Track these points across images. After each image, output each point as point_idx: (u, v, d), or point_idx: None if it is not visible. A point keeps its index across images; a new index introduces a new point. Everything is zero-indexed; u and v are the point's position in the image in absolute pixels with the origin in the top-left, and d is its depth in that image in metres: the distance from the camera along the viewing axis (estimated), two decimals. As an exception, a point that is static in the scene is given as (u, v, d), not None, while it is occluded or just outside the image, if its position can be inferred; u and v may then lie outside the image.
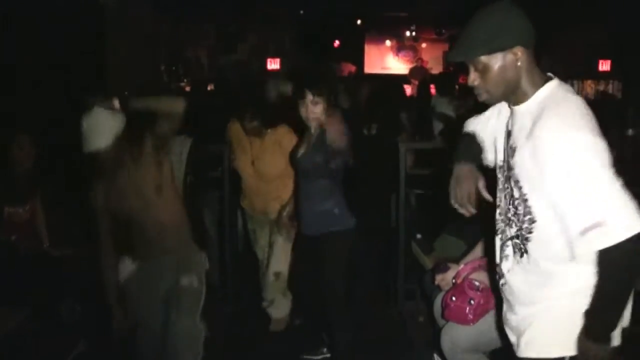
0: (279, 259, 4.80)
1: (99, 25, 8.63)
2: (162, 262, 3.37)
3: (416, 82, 13.83)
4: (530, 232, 2.15)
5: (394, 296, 5.19)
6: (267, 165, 4.80)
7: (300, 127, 4.16)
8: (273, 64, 15.34)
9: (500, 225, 2.32)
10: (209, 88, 10.04)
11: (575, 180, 1.94)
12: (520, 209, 2.16)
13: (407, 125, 6.53)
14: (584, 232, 1.94)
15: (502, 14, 2.09)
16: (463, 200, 2.46)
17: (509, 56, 2.09)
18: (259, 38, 15.66)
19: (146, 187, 3.26)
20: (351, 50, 15.77)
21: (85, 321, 4.59)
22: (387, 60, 16.34)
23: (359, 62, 16.05)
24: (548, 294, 2.16)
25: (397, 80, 11.29)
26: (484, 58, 2.11)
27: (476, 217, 4.34)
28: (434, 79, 10.17)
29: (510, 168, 2.19)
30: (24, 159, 4.72)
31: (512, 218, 2.22)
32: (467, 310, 3.27)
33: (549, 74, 2.19)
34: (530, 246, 2.16)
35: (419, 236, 4.87)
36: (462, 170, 2.50)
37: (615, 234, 1.90)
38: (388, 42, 16.50)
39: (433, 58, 16.20)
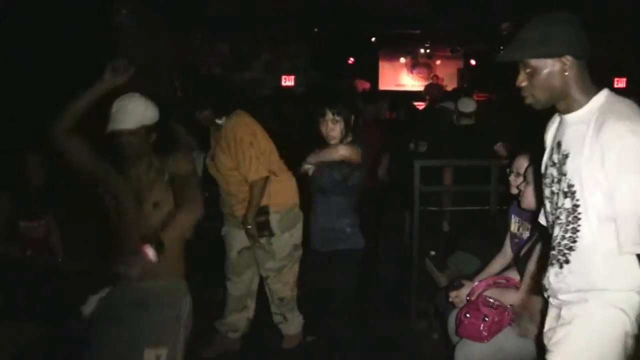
0: (279, 287, 4.67)
1: (114, 44, 8.73)
2: (141, 287, 3.11)
3: (430, 99, 13.87)
4: (574, 242, 2.16)
5: (408, 313, 5.17)
6: (218, 160, 4.45)
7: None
8: (287, 81, 15.43)
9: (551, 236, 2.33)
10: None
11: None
12: (563, 218, 2.18)
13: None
14: None
15: (557, 22, 2.13)
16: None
17: (558, 64, 2.13)
18: (273, 55, 15.76)
19: (144, 197, 3.14)
20: (365, 68, 15.80)
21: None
22: (401, 77, 16.34)
23: (373, 79, 16.06)
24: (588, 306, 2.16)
25: (410, 97, 11.31)
26: (533, 61, 2.16)
27: (490, 234, 4.37)
28: (448, 95, 10.18)
29: (561, 175, 2.20)
30: (36, 176, 4.78)
31: (556, 228, 2.23)
32: (481, 327, 3.26)
33: None
34: (573, 256, 2.18)
35: (432, 253, 4.86)
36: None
37: None
38: (402, 59, 16.50)
39: (448, 75, 16.18)
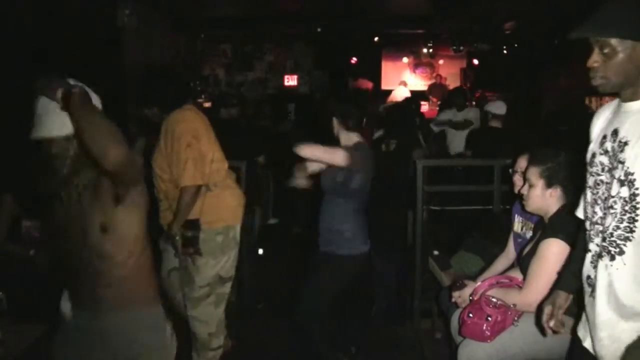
0: (194, 323, 3.99)
1: (118, 45, 8.75)
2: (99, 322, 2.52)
3: (435, 100, 13.87)
4: (631, 231, 2.08)
5: (411, 313, 5.17)
6: (154, 159, 3.89)
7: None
8: (290, 81, 15.47)
9: (590, 228, 2.26)
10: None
11: None
12: (617, 207, 2.10)
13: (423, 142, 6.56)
14: None
15: None
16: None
17: (639, 48, 2.04)
18: (276, 55, 15.80)
19: (90, 219, 2.43)
20: (368, 67, 15.83)
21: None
22: (404, 77, 16.36)
23: (376, 78, 16.09)
24: None
25: (414, 97, 11.32)
26: (614, 41, 2.05)
27: (493, 234, 4.37)
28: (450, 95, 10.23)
29: (617, 162, 2.12)
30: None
31: (609, 218, 2.15)
32: (484, 327, 3.25)
33: None
34: (629, 247, 2.10)
35: (435, 252, 4.86)
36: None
37: None
38: (405, 59, 16.52)
39: (451, 74, 16.20)
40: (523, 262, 3.35)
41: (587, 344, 2.31)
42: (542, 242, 3.16)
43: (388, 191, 5.09)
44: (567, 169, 3.20)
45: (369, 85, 15.24)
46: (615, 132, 2.16)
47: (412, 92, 14.70)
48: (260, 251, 6.65)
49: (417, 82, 16.50)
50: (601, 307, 2.19)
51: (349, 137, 3.98)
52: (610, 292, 2.16)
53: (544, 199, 3.25)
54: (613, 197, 2.12)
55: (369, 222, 4.06)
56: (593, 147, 2.29)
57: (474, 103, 10.49)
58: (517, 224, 3.86)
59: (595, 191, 2.23)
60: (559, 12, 9.22)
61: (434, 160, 5.64)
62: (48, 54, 6.37)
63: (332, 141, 4.01)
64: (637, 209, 2.06)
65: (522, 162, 3.66)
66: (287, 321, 4.30)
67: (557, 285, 2.56)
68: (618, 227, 2.11)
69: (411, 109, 7.21)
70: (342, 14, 11.75)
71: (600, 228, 2.19)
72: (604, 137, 2.22)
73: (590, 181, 2.26)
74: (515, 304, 3.25)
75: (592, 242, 2.24)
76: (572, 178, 3.19)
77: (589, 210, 2.27)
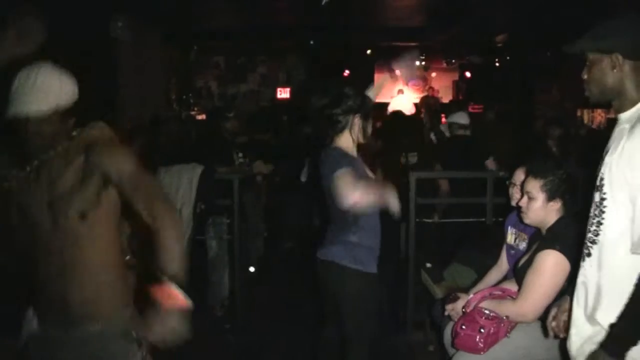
0: None
1: (110, 57, 8.75)
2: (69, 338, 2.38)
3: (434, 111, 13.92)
4: (597, 235, 2.17)
5: (404, 325, 5.17)
6: None
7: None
8: (283, 93, 15.50)
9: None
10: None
11: None
12: (591, 211, 2.19)
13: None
14: None
15: (618, 20, 2.16)
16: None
17: (608, 60, 2.15)
18: (269, 68, 15.85)
19: (65, 207, 2.28)
20: (361, 80, 15.85)
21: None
22: (397, 90, 16.40)
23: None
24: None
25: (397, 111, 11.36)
26: (591, 55, 2.19)
27: (486, 246, 4.37)
28: (445, 107, 10.26)
29: (599, 170, 2.19)
30: None
31: (589, 222, 2.23)
32: (477, 339, 3.26)
33: None
34: (594, 250, 2.18)
35: (428, 265, 4.87)
36: None
37: None
38: (398, 72, 16.57)
39: (443, 87, 16.25)
40: (519, 273, 3.35)
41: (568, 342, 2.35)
42: (538, 253, 3.16)
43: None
44: (568, 181, 3.22)
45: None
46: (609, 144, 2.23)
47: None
48: (252, 269, 6.64)
49: (410, 95, 16.54)
50: (573, 304, 2.27)
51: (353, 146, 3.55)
52: (581, 291, 2.24)
53: (544, 211, 3.25)
54: (592, 202, 2.21)
55: None
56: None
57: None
58: (510, 235, 3.86)
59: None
60: (550, 25, 9.29)
61: (426, 173, 5.64)
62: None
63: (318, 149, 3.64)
64: (604, 212, 2.13)
65: (519, 175, 3.68)
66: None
67: (567, 291, 2.59)
68: (589, 230, 2.21)
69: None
70: (334, 26, 11.79)
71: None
72: (605, 152, 2.26)
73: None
74: (509, 316, 3.25)
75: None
76: (572, 190, 3.22)
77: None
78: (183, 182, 5.15)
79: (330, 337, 3.68)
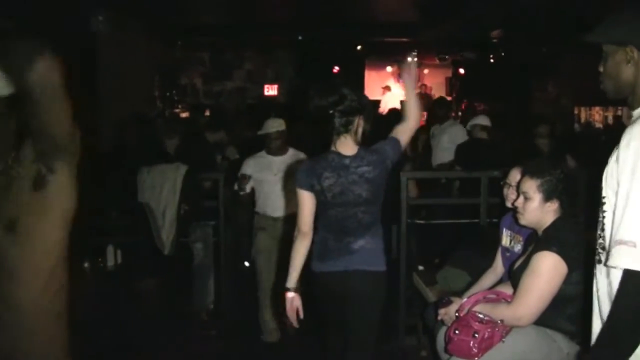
0: None
1: (91, 52, 8.71)
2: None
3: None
4: (603, 239, 2.11)
5: (395, 329, 5.17)
6: None
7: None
8: (271, 90, 15.47)
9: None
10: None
11: (636, 185, 1.90)
12: (601, 214, 2.12)
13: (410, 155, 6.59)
14: (616, 243, 1.92)
15: (632, 11, 2.09)
16: None
17: (622, 53, 2.09)
18: (256, 64, 15.81)
19: None
20: (351, 76, 15.85)
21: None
22: (383, 86, 16.40)
23: (359, 88, 16.07)
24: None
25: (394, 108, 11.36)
26: (604, 46, 2.13)
27: (480, 248, 4.38)
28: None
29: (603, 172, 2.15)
30: None
31: (598, 226, 2.16)
32: (471, 344, 3.25)
33: None
34: (603, 255, 2.11)
35: (421, 268, 4.87)
36: None
37: None
38: (389, 68, 16.56)
39: (436, 84, 16.26)
40: (514, 276, 3.36)
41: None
42: (535, 255, 3.17)
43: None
44: (565, 181, 3.23)
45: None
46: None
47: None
48: (247, 264, 6.51)
49: (401, 92, 16.53)
50: (593, 314, 2.20)
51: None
52: (596, 300, 2.18)
53: (541, 212, 3.26)
54: (600, 204, 2.14)
55: None
56: None
57: (459, 114, 10.52)
58: (505, 237, 3.87)
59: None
60: (547, 20, 9.32)
61: (419, 173, 5.65)
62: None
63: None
64: (604, 211, 2.09)
65: (514, 175, 3.68)
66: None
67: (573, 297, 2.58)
68: (599, 235, 2.14)
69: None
70: (324, 21, 11.79)
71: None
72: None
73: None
74: (503, 320, 3.25)
75: None
76: (570, 190, 3.23)
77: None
78: (167, 183, 5.14)
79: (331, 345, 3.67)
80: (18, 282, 2.01)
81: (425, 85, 15.98)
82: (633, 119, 2.11)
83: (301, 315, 3.41)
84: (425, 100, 14.54)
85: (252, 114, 9.30)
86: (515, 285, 3.33)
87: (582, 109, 12.87)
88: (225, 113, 10.99)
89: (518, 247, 3.69)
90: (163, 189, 5.13)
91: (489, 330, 3.25)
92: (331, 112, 3.37)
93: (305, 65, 15.03)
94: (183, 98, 14.54)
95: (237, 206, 5.49)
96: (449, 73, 16.39)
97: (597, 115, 12.93)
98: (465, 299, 3.54)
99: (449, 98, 14.26)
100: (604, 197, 2.09)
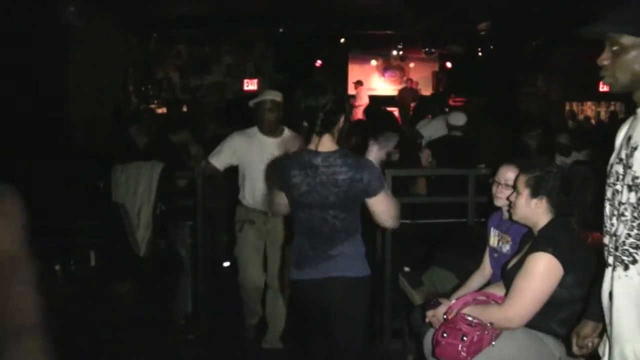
0: None
1: (61, 45, 8.64)
2: None
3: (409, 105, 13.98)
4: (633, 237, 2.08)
5: (380, 333, 5.16)
6: None
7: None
8: (250, 85, 15.43)
9: (609, 241, 2.25)
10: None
11: None
12: (627, 214, 2.10)
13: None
14: None
15: None
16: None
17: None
18: (235, 58, 15.77)
19: None
20: (334, 70, 15.86)
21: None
22: (372, 81, 16.44)
23: (342, 83, 16.11)
24: None
25: (381, 103, 11.40)
26: (624, 39, 2.08)
27: (467, 248, 4.39)
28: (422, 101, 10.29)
29: (626, 169, 2.13)
30: None
31: (620, 226, 2.15)
32: (459, 348, 3.25)
33: None
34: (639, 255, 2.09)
35: (406, 269, 4.87)
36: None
37: None
38: (373, 62, 16.60)
39: (422, 78, 16.30)
40: (507, 276, 3.36)
41: None
42: (529, 256, 3.16)
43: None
44: (556, 180, 3.23)
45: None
46: (629, 139, 2.18)
47: (380, 97, 14.77)
48: (227, 264, 6.45)
49: (386, 86, 16.57)
50: (623, 320, 2.17)
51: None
52: (629, 302, 2.14)
53: (529, 208, 3.27)
54: (624, 204, 2.13)
55: None
56: (612, 158, 2.30)
57: (446, 110, 10.55)
58: (493, 237, 3.87)
59: (612, 202, 2.24)
60: (536, 11, 9.36)
61: (404, 170, 5.64)
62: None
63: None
64: (632, 216, 2.06)
65: (504, 172, 3.69)
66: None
67: (584, 314, 2.56)
68: (629, 235, 2.11)
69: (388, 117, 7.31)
70: (306, 13, 11.78)
71: (615, 238, 2.19)
72: (620, 145, 2.23)
73: (609, 193, 2.27)
74: (493, 322, 3.25)
75: (611, 254, 2.23)
76: (561, 191, 3.23)
77: (608, 222, 2.27)
78: (142, 181, 5.10)
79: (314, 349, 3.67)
80: None
81: (411, 80, 16.01)
82: None
83: None
84: (411, 95, 14.61)
85: (230, 112, 9.27)
86: (507, 286, 3.33)
87: (575, 103, 12.95)
88: (202, 110, 10.95)
89: (507, 248, 3.70)
90: (138, 187, 5.09)
91: (478, 333, 3.25)
92: (325, 111, 3.35)
93: (286, 59, 15.02)
94: (159, 93, 14.48)
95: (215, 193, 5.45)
96: (436, 67, 16.44)
97: (590, 110, 13.03)
98: (453, 301, 3.54)
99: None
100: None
